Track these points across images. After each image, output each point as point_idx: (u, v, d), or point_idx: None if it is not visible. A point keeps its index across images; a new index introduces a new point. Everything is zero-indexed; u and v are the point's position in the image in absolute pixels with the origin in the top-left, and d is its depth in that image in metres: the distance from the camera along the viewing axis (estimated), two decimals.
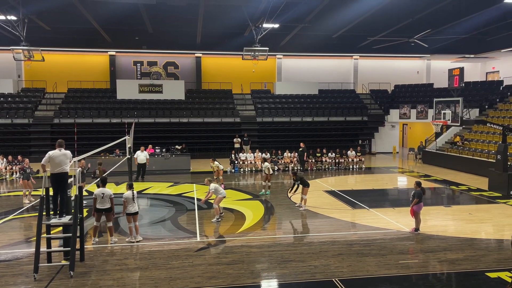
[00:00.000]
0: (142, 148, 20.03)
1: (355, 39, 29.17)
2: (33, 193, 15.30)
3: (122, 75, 32.62)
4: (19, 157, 21.26)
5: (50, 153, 8.74)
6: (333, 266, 8.67)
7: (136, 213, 10.36)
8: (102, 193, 10.08)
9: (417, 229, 11.09)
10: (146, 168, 19.96)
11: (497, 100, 28.57)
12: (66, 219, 8.72)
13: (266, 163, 16.55)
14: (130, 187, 10.43)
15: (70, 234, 8.46)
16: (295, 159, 22.84)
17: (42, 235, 8.41)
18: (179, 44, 30.34)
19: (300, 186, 13.82)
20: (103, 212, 10.14)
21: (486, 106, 28.64)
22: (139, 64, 33.32)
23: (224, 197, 12.58)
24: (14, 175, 20.64)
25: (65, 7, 19.91)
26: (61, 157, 8.75)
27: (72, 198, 9.12)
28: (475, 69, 36.91)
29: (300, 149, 22.30)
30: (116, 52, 32.31)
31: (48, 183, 8.77)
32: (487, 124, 20.23)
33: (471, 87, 32.54)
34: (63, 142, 9.06)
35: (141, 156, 19.62)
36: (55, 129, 27.33)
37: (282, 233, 11.29)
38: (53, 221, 8.71)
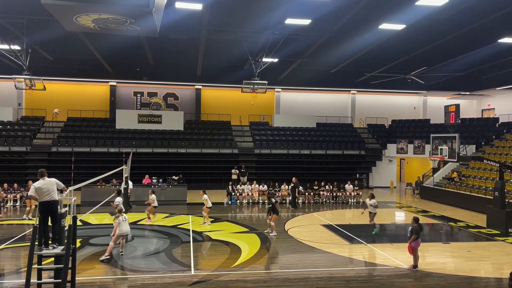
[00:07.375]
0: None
1: (352, 75, 29.67)
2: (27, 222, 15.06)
3: (122, 105, 32.92)
4: (15, 185, 21.09)
5: (35, 184, 8.67)
6: None
7: None
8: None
9: (415, 266, 10.91)
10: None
11: (493, 137, 28.82)
12: (58, 249, 8.56)
13: None
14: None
15: (62, 265, 8.29)
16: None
17: (33, 266, 8.23)
18: (179, 76, 30.82)
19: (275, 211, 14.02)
20: None
21: (483, 143, 28.85)
22: (139, 95, 33.69)
23: None
24: (8, 203, 20.39)
25: (69, 38, 20.26)
26: (47, 186, 8.69)
27: (66, 228, 8.98)
28: (471, 106, 37.43)
29: (292, 184, 22.10)
30: (117, 82, 32.76)
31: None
32: (484, 161, 20.30)
33: (468, 124, 32.94)
34: (45, 171, 9.03)
35: None
36: (52, 157, 27.25)
37: (278, 268, 11.09)
38: (45, 251, 8.54)
